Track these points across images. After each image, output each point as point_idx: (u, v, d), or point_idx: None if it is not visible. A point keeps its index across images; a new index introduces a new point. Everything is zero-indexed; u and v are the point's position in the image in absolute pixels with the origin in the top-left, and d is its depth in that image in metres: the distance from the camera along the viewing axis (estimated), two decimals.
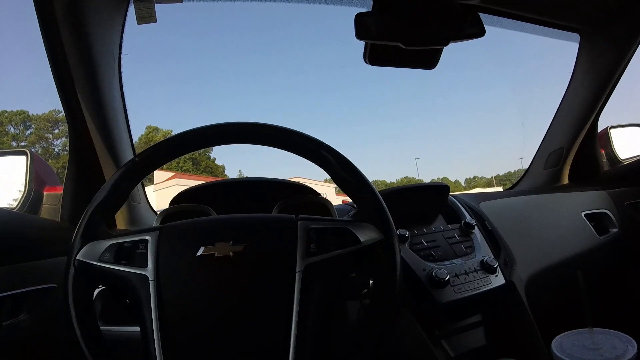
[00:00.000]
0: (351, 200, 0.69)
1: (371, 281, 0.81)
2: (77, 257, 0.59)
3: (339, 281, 0.73)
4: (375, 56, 1.01)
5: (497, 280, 0.98)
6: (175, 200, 1.06)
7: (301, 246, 0.59)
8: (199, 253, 0.58)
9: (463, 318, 1.02)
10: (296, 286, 0.58)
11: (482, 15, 1.01)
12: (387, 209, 0.64)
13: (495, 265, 0.98)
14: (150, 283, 0.57)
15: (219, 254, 0.58)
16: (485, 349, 1.00)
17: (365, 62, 1.02)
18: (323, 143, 0.66)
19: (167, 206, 1.06)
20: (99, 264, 0.59)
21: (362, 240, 0.61)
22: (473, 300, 0.94)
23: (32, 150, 1.34)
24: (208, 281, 0.59)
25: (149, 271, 0.58)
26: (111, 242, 0.60)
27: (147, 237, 0.60)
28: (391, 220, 0.63)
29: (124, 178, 0.65)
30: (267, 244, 0.60)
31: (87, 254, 0.59)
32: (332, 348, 0.68)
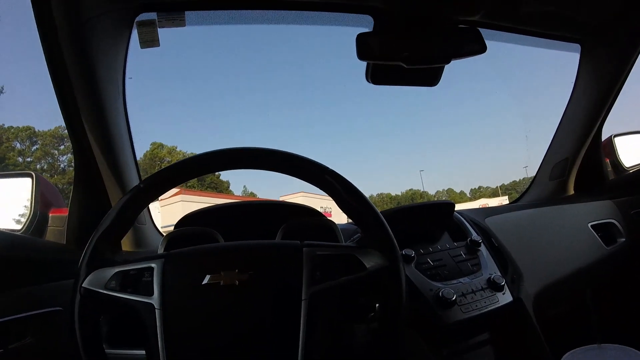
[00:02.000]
0: None
1: (377, 305, 0.80)
2: (83, 285, 0.59)
3: (345, 306, 0.72)
4: (377, 76, 1.01)
5: (505, 298, 0.97)
6: (181, 223, 1.06)
7: (307, 274, 0.59)
8: (205, 282, 0.58)
9: (471, 337, 1.01)
10: (302, 314, 0.57)
11: (483, 31, 1.01)
12: (392, 234, 0.64)
13: (503, 283, 0.97)
14: (157, 311, 0.57)
15: (224, 283, 0.58)
16: None
17: (368, 81, 1.03)
18: (327, 168, 0.66)
19: (172, 222, 1.06)
20: (105, 291, 0.59)
21: (367, 266, 0.60)
22: (481, 319, 0.93)
23: (37, 172, 1.35)
24: (214, 310, 0.59)
25: (154, 299, 0.58)
26: (117, 269, 0.60)
27: (153, 265, 0.60)
28: (396, 245, 0.63)
29: (129, 205, 0.65)
30: (272, 272, 0.60)
31: (93, 281, 0.60)
32: None
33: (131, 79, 1.14)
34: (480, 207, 1.72)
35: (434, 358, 0.91)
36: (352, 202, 0.65)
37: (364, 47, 0.93)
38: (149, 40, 1.07)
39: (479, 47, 0.99)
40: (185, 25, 1.05)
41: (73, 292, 0.60)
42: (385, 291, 0.62)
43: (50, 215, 1.37)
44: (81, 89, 0.99)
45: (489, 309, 0.94)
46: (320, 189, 0.67)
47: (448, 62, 0.97)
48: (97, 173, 1.08)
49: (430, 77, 1.05)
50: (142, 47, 1.08)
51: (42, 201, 1.33)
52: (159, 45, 1.07)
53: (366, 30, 0.99)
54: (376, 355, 0.62)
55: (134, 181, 1.19)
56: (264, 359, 0.59)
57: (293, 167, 0.67)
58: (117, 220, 0.64)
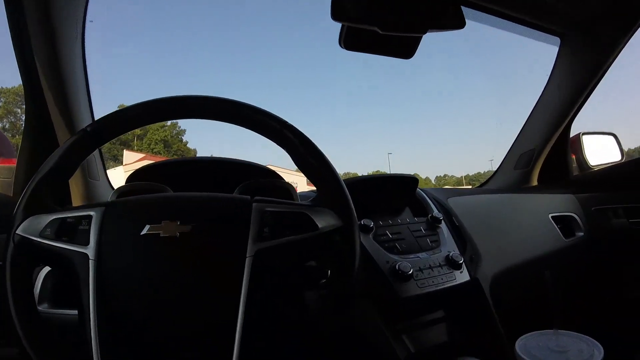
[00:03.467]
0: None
1: (329, 271, 0.77)
2: (17, 232, 0.54)
3: (294, 269, 0.69)
4: (350, 40, 0.97)
5: (462, 276, 0.97)
6: (133, 177, 1.00)
7: (253, 230, 0.55)
8: (144, 232, 0.54)
9: (425, 313, 1.00)
10: (245, 272, 0.53)
11: (464, 9, 0.99)
12: (348, 195, 0.60)
13: (461, 261, 0.97)
14: (90, 262, 0.53)
15: (164, 234, 0.54)
16: (447, 345, 0.98)
17: (340, 46, 0.98)
18: (287, 122, 0.62)
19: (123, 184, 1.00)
20: (38, 239, 0.54)
21: (320, 226, 0.57)
22: (436, 295, 0.92)
23: None
24: (151, 262, 0.54)
25: (89, 249, 0.53)
26: (54, 216, 0.55)
27: (92, 213, 0.55)
28: (352, 206, 0.60)
29: (73, 149, 0.59)
30: (216, 226, 0.56)
31: (28, 228, 0.54)
32: (287, 338, 0.65)
33: (92, 22, 1.07)
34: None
35: (388, 332, 0.90)
36: (309, 159, 0.62)
37: (339, 6, 0.88)
38: None
39: (458, 23, 0.96)
40: None
41: (6, 239, 0.54)
42: (337, 253, 0.59)
43: None
44: (36, 25, 0.92)
45: (446, 286, 0.93)
46: (278, 144, 0.63)
47: (424, 32, 0.93)
48: (48, 121, 1.01)
49: (406, 48, 1.01)
50: None
51: None
52: None
53: None
54: (325, 322, 0.59)
55: None
56: (200, 317, 0.56)
57: (251, 120, 0.63)
58: (59, 165, 0.58)
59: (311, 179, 0.63)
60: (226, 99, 0.62)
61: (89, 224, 0.55)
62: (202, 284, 0.55)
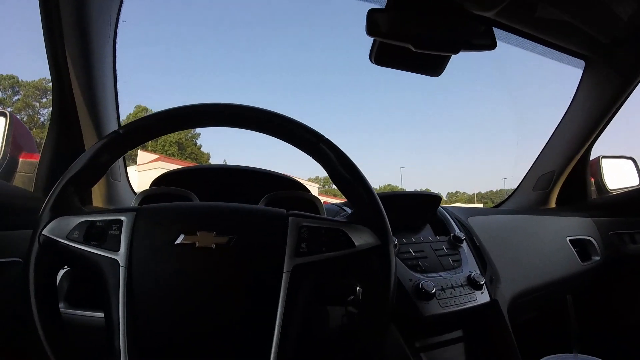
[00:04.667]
0: (334, 202, 0.65)
1: (359, 288, 0.77)
2: (43, 232, 0.54)
3: (323, 286, 0.69)
4: (381, 55, 0.98)
5: (483, 297, 0.96)
6: (157, 182, 1.01)
7: (290, 244, 0.55)
8: (178, 241, 0.53)
9: (444, 332, 0.99)
10: (282, 287, 0.53)
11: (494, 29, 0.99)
12: (385, 214, 0.60)
13: (482, 282, 0.96)
14: (121, 269, 0.52)
15: (200, 244, 0.53)
16: None
17: (371, 60, 0.99)
18: (323, 136, 0.62)
19: (148, 187, 1.00)
20: (66, 242, 0.53)
21: (356, 244, 0.56)
22: (457, 315, 0.91)
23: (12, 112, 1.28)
24: (185, 273, 0.54)
25: (120, 255, 0.53)
26: (82, 219, 0.55)
27: (122, 218, 0.55)
28: (389, 226, 0.60)
29: (105, 150, 0.59)
30: (253, 239, 0.56)
31: (55, 229, 0.54)
32: (311, 354, 0.64)
33: (125, 22, 1.08)
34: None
35: (408, 349, 0.89)
36: (346, 174, 0.61)
37: (374, 23, 0.89)
38: None
39: (490, 43, 0.97)
40: None
41: (31, 239, 0.54)
42: (373, 273, 0.58)
43: (20, 159, 1.30)
44: (70, 21, 0.93)
45: (467, 306, 0.92)
46: (313, 158, 0.63)
47: (457, 52, 0.94)
48: (74, 116, 1.02)
49: (435, 66, 1.01)
50: None
51: (13, 144, 1.26)
52: None
53: (378, 7, 0.94)
54: (352, 341, 0.57)
55: (112, 129, 1.12)
56: (234, 330, 0.55)
57: (287, 131, 0.63)
58: (89, 166, 0.58)
59: (346, 194, 0.63)
60: (263, 109, 0.62)
61: (120, 229, 0.54)
62: (236, 296, 0.54)
